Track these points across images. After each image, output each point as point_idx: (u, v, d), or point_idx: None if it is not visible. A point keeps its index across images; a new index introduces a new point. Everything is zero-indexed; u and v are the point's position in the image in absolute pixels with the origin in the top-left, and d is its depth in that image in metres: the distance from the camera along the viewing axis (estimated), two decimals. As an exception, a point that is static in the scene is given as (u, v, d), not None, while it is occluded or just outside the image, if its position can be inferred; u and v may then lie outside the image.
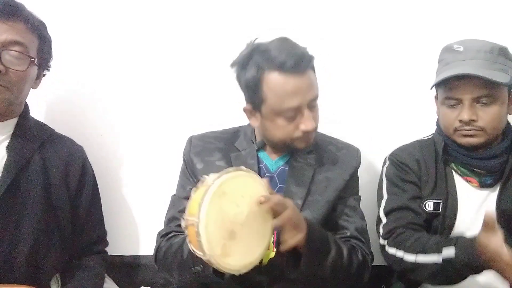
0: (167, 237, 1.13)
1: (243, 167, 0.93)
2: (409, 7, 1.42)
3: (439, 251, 1.05)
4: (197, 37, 1.46)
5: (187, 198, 1.15)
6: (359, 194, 1.22)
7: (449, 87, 1.16)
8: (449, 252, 1.03)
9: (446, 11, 1.41)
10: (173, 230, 1.14)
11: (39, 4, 1.19)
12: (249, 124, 1.21)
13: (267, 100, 1.06)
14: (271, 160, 1.18)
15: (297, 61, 1.03)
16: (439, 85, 1.19)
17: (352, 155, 1.21)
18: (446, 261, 1.03)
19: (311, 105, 1.08)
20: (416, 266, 1.09)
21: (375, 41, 1.44)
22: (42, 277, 1.13)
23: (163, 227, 1.18)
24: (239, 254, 0.88)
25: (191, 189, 1.16)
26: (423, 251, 1.08)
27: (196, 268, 0.95)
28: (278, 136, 1.10)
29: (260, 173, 1.15)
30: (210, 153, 1.19)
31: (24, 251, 1.08)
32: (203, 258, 0.84)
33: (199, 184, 0.90)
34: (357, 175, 1.22)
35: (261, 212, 0.91)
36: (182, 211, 1.11)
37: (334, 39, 1.43)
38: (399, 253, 1.13)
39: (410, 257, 1.10)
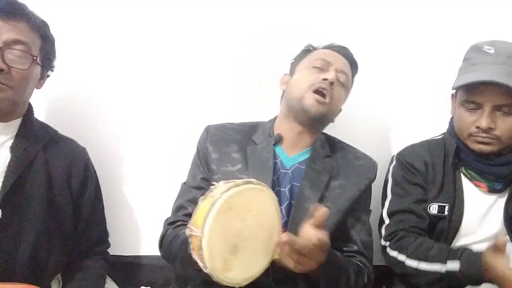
0: (174, 225, 1.13)
1: (253, 180, 0.90)
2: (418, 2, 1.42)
3: (442, 261, 1.05)
4: (198, 38, 1.46)
5: (197, 187, 1.17)
6: (370, 209, 1.21)
7: (472, 90, 1.12)
8: (453, 265, 1.03)
9: (455, 8, 1.41)
10: (180, 219, 1.13)
11: (40, 5, 1.19)
12: (269, 120, 1.23)
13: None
14: (288, 157, 1.17)
15: None
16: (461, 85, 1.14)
17: (369, 166, 1.20)
18: (449, 272, 1.04)
19: None
20: (417, 272, 1.09)
21: (381, 39, 1.45)
22: (43, 277, 1.13)
23: (171, 215, 1.18)
24: (241, 268, 0.87)
25: (202, 178, 1.17)
26: (426, 259, 1.08)
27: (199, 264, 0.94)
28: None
29: (275, 168, 1.13)
30: (227, 144, 1.18)
31: (26, 251, 1.08)
32: (204, 270, 0.84)
33: (207, 193, 0.88)
34: (371, 188, 1.21)
35: (267, 227, 0.90)
36: (191, 200, 1.14)
37: (338, 36, 1.41)
38: (401, 257, 1.13)
39: (412, 263, 1.10)
